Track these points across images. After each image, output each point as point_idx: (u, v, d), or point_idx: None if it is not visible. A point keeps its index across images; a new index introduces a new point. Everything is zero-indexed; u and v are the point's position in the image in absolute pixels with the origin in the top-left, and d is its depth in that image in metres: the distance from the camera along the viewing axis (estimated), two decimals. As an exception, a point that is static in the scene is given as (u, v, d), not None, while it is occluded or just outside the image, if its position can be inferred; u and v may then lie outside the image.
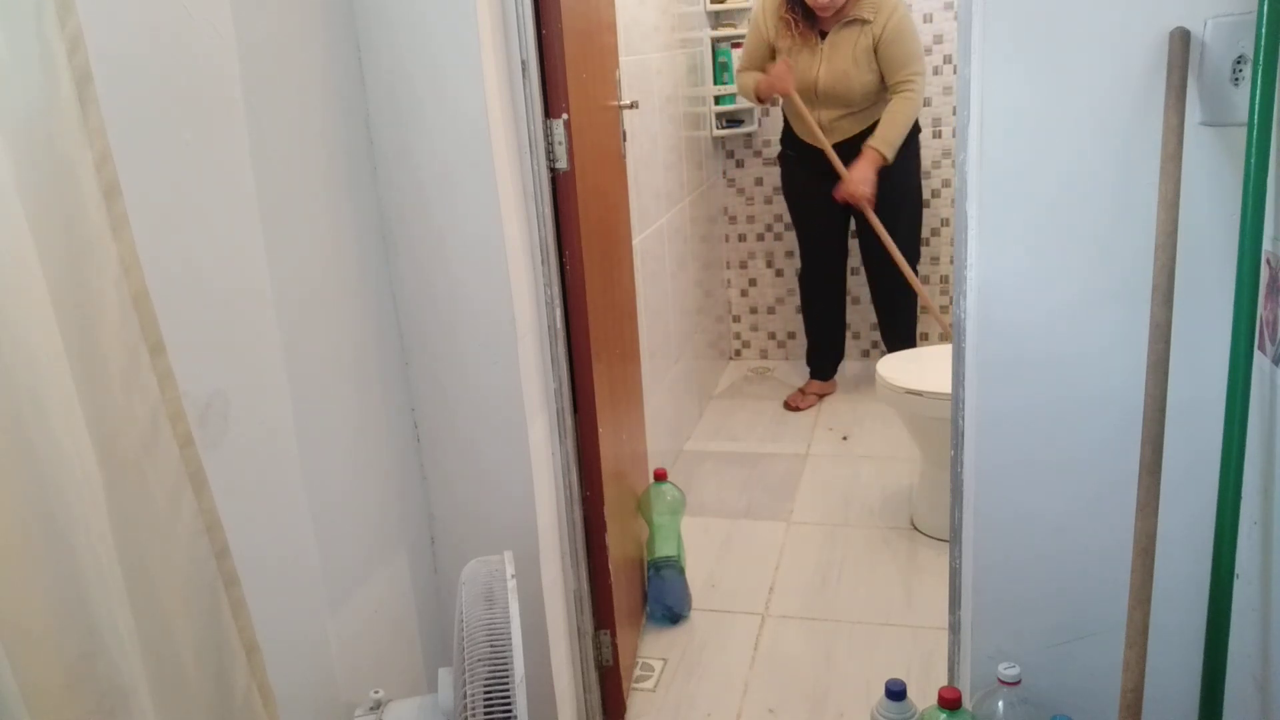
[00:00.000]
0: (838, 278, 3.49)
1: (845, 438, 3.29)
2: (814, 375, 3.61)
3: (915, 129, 3.20)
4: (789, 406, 3.52)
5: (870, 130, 3.11)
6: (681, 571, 2.34)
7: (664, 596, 2.29)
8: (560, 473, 1.74)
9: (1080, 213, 1.28)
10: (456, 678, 1.21)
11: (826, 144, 3.14)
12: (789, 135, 3.32)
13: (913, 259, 3.32)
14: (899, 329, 3.39)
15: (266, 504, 1.25)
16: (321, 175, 1.39)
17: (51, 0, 0.82)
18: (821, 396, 3.59)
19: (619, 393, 2.01)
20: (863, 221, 3.26)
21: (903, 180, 3.22)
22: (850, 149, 3.13)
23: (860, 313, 3.72)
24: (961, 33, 1.29)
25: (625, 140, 2.10)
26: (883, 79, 3.06)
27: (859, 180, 3.07)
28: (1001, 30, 1.25)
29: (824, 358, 3.58)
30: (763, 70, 3.20)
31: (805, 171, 3.30)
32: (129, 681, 0.86)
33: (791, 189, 3.40)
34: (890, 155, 3.05)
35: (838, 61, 3.04)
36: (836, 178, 3.16)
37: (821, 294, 3.49)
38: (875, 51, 3.00)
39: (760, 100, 3.26)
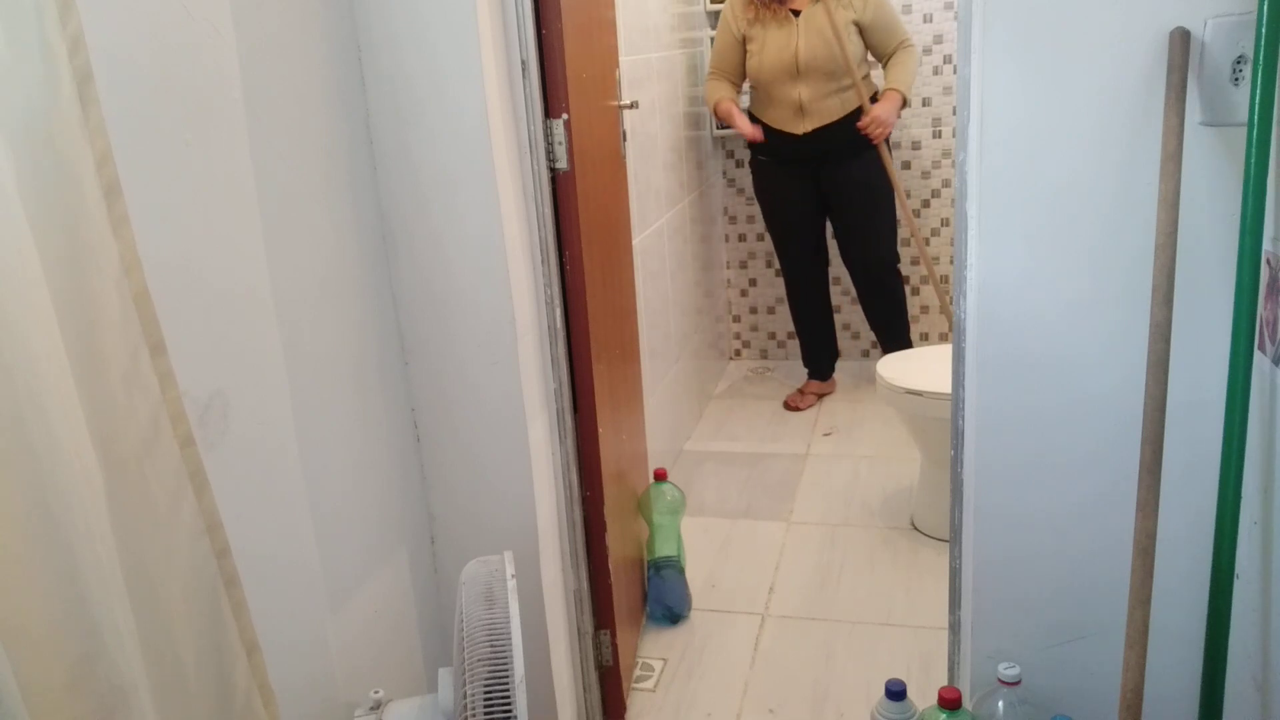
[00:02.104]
0: (821, 279, 3.50)
1: (828, 434, 3.29)
2: (812, 375, 3.62)
3: None
4: (789, 406, 3.53)
5: (855, 115, 3.10)
6: (681, 571, 2.34)
7: (664, 596, 2.29)
8: (560, 473, 1.74)
9: (1080, 213, 1.28)
10: (456, 678, 1.21)
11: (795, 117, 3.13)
12: (768, 140, 3.25)
13: (891, 260, 3.33)
14: (891, 329, 3.40)
15: (266, 504, 1.25)
16: (321, 175, 1.39)
17: (53, 0, 0.82)
18: (821, 396, 3.59)
19: (619, 393, 2.01)
20: (838, 222, 3.31)
21: (877, 179, 3.21)
22: (831, 135, 3.12)
23: (861, 312, 3.71)
24: (961, 33, 1.29)
25: (625, 140, 2.10)
26: (867, 51, 3.11)
27: (881, 114, 3.08)
28: (1001, 30, 1.25)
29: (819, 358, 3.60)
30: (732, 77, 3.21)
31: (779, 173, 3.29)
32: (129, 682, 0.86)
33: (765, 193, 3.37)
34: (909, 94, 3.10)
35: (815, 34, 3.03)
36: (812, 176, 3.20)
37: (806, 297, 3.49)
38: (860, 31, 3.05)
39: (717, 116, 3.27)
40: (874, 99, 3.14)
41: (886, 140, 3.20)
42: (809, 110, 3.12)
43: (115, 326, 0.89)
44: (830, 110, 3.11)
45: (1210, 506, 1.21)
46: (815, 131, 3.12)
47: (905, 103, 3.13)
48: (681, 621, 2.31)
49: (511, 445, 1.61)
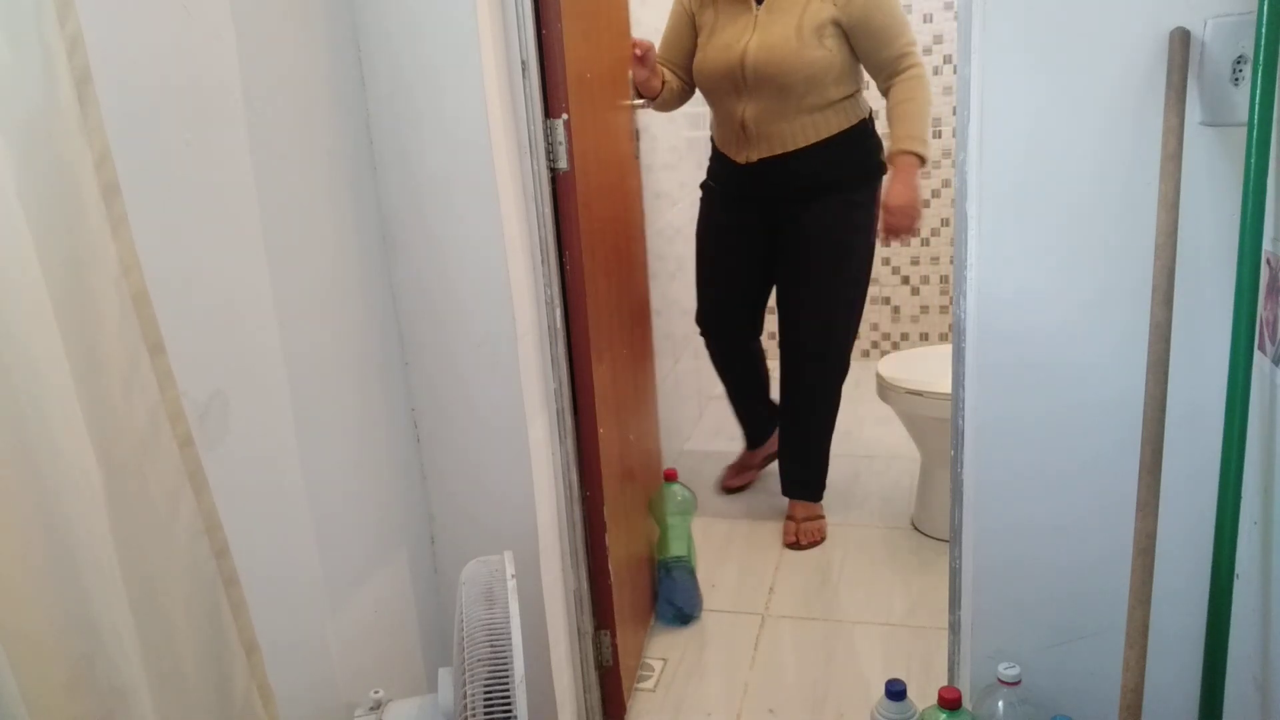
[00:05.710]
0: (751, 355, 2.70)
1: None
2: (751, 446, 2.95)
3: (877, 147, 2.34)
4: (725, 487, 2.94)
5: (821, 147, 2.25)
6: (692, 572, 2.33)
7: (673, 597, 2.29)
8: (560, 473, 1.74)
9: (1080, 213, 1.28)
10: (456, 678, 1.21)
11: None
12: (715, 163, 2.48)
13: (838, 360, 2.47)
14: (794, 466, 2.62)
15: (266, 504, 1.25)
16: (321, 175, 1.39)
17: (51, 0, 0.82)
18: (767, 459, 2.91)
19: (625, 392, 2.01)
20: (781, 288, 2.48)
21: (844, 236, 2.33)
22: (783, 170, 2.28)
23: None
24: (961, 33, 1.29)
25: (639, 139, 2.07)
26: (859, 63, 2.24)
27: (902, 203, 2.18)
28: (1001, 30, 1.25)
29: (757, 427, 2.90)
30: (677, 69, 2.40)
31: (722, 209, 2.48)
32: (129, 682, 0.86)
33: (700, 231, 2.56)
34: (928, 152, 2.19)
35: (775, 30, 2.17)
36: (764, 223, 2.39)
37: (731, 357, 2.69)
38: (843, 31, 2.17)
39: (642, 96, 2.31)
40: (864, 125, 2.30)
41: (882, 169, 2.33)
42: (754, 137, 2.27)
43: (114, 327, 0.89)
44: (782, 137, 2.24)
45: (1210, 507, 1.21)
46: (760, 164, 2.29)
47: (924, 162, 2.19)
48: (692, 622, 2.30)
49: (511, 445, 1.61)
